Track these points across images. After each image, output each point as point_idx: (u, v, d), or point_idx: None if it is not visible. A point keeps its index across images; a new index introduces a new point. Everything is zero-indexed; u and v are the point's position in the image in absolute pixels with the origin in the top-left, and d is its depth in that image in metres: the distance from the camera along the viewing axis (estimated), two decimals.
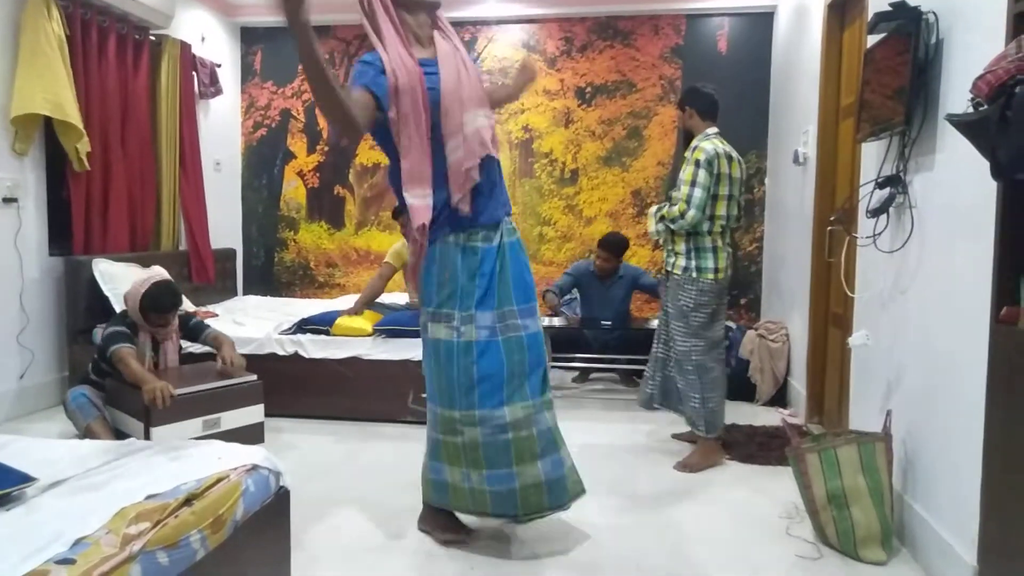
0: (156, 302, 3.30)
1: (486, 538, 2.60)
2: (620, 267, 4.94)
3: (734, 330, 4.94)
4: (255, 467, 1.99)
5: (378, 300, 4.60)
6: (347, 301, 4.66)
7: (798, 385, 4.23)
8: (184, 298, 4.60)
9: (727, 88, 5.55)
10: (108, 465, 1.96)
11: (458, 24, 5.86)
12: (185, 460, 1.98)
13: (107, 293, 4.12)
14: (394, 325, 4.08)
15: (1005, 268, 1.91)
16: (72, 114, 4.04)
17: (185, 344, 3.71)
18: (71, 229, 4.30)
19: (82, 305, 4.19)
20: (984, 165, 1.75)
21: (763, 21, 5.49)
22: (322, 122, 6.13)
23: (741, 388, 4.58)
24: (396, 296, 4.96)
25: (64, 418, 3.41)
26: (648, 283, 4.99)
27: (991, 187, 1.92)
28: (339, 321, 4.11)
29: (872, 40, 2.85)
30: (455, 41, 2.46)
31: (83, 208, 4.34)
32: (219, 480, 1.84)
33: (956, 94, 2.23)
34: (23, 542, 1.47)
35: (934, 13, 2.41)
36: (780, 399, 4.48)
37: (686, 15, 5.61)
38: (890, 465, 2.47)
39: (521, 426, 2.37)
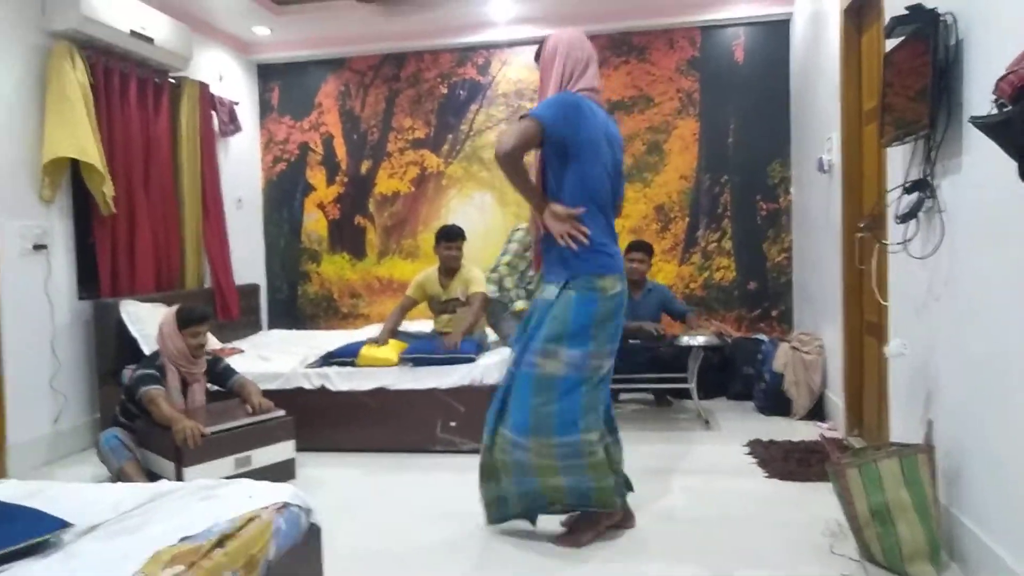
0: (192, 312, 3.44)
1: (522, 567, 2.56)
2: (647, 281, 4.85)
3: (766, 343, 4.86)
4: (286, 505, 1.98)
5: (403, 329, 4.60)
6: (371, 331, 4.67)
7: (835, 397, 4.14)
8: (210, 335, 4.67)
9: (746, 98, 5.57)
10: (142, 508, 1.97)
11: (471, 48, 5.92)
12: (216, 500, 1.98)
13: (135, 334, 4.16)
14: (420, 353, 4.07)
15: None
16: (96, 159, 4.11)
17: (212, 387, 3.72)
18: (98, 272, 4.37)
19: (111, 347, 4.23)
20: (1013, 165, 1.71)
21: (779, 29, 5.46)
22: (341, 152, 6.20)
23: (776, 402, 4.50)
24: (421, 324, 4.96)
25: (97, 461, 3.44)
26: (678, 309, 4.83)
27: (1022, 187, 1.87)
28: (364, 352, 4.10)
29: (890, 44, 2.81)
30: None
31: (109, 251, 4.41)
32: (251, 519, 1.84)
33: (979, 95, 2.18)
34: None
35: (952, 15, 2.37)
36: (818, 412, 4.38)
37: (700, 27, 5.60)
38: (934, 477, 2.39)
39: None
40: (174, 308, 3.50)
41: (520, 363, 2.68)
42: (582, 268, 2.62)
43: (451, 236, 4.33)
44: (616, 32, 5.68)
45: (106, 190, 4.22)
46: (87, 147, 4.07)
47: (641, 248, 4.80)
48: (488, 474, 2.80)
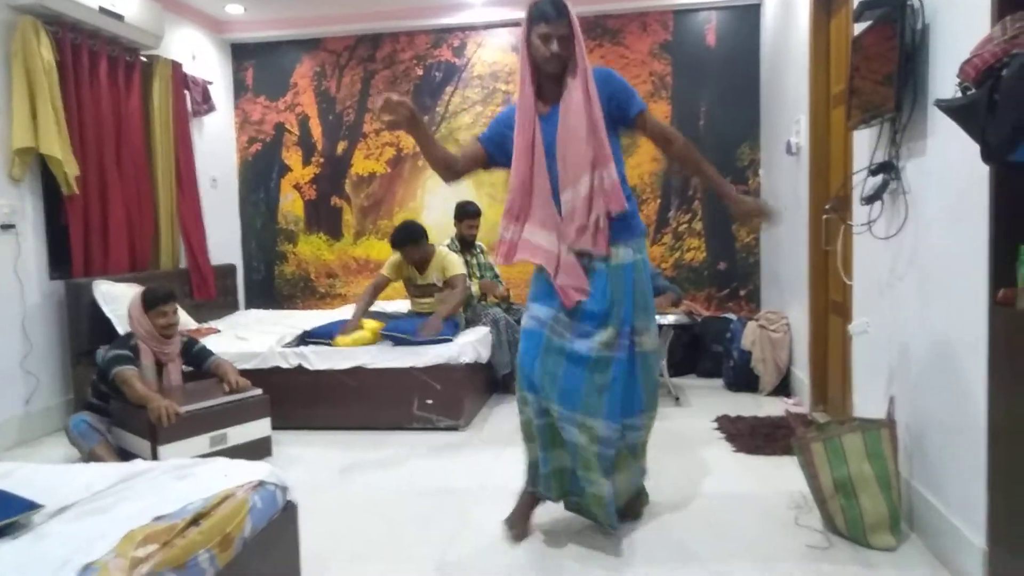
0: (156, 293, 3.42)
1: (496, 542, 2.60)
2: None
3: (735, 321, 4.94)
4: (261, 483, 1.99)
5: (380, 309, 4.61)
6: (348, 311, 4.68)
7: (801, 374, 4.23)
8: (186, 314, 4.66)
9: (717, 81, 5.61)
10: (114, 488, 1.96)
11: (446, 30, 5.88)
12: (191, 479, 1.98)
13: (109, 314, 4.13)
14: (396, 333, 4.09)
15: (1000, 250, 1.91)
16: (57, 146, 4.04)
17: (188, 368, 3.71)
18: (70, 252, 4.32)
19: (84, 327, 4.20)
20: (975, 148, 1.75)
21: (750, 13, 5.50)
22: (316, 133, 6.17)
23: (744, 379, 4.59)
24: (398, 304, 4.97)
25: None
26: (662, 285, 4.80)
27: (983, 169, 1.92)
28: (339, 339, 4.11)
29: (859, 28, 2.85)
30: (581, 95, 2.40)
31: (82, 231, 4.36)
32: (226, 498, 1.84)
33: (944, 78, 2.23)
34: (31, 570, 1.48)
35: None
36: (784, 389, 4.48)
37: (673, 11, 5.62)
38: (895, 451, 2.47)
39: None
40: (140, 290, 3.50)
41: (616, 347, 2.45)
42: (639, 227, 2.54)
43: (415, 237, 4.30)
44: (590, 15, 5.67)
45: (68, 171, 4.15)
46: (50, 136, 4.01)
47: None
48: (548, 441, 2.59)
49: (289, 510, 2.12)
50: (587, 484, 2.52)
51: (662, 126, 2.58)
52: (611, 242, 2.45)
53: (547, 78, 2.44)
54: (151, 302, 3.40)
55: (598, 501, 2.51)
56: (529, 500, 2.67)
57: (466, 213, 4.89)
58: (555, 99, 2.45)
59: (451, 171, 2.55)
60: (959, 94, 1.85)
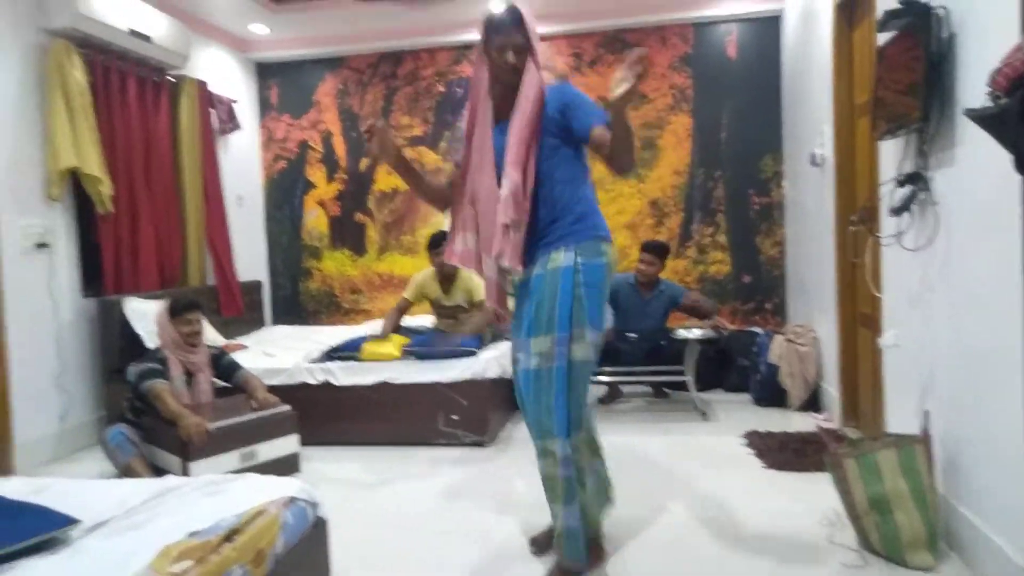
0: (179, 302, 3.54)
1: (520, 559, 2.60)
2: (661, 282, 4.79)
3: (762, 335, 4.90)
4: (292, 499, 2.01)
5: (404, 324, 4.63)
6: (373, 327, 4.70)
7: (831, 389, 4.18)
8: (214, 330, 4.71)
9: (739, 93, 5.60)
10: (148, 504, 1.99)
11: (467, 47, 5.94)
12: (223, 495, 2.00)
13: (139, 331, 4.19)
14: (421, 347, 4.11)
15: None
16: (96, 165, 4.15)
17: (220, 384, 3.75)
18: (102, 271, 4.39)
19: (116, 344, 4.26)
20: (1007, 157, 1.73)
21: (770, 25, 5.49)
22: (340, 150, 6.23)
23: (772, 394, 4.54)
24: (421, 319, 4.99)
25: (104, 457, 3.46)
26: (705, 306, 4.76)
27: (1015, 179, 1.90)
28: (366, 346, 4.14)
29: (883, 38, 2.84)
30: (524, 101, 2.31)
31: (113, 249, 4.43)
32: (258, 514, 1.85)
33: (972, 88, 2.21)
34: None
35: (944, 7, 2.40)
36: (813, 404, 4.42)
37: (693, 24, 5.62)
38: (931, 467, 2.43)
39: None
40: (164, 304, 3.59)
41: (554, 356, 2.27)
42: (588, 232, 2.33)
43: (435, 243, 4.26)
44: (610, 29, 5.71)
45: (103, 189, 4.24)
46: (87, 155, 4.11)
47: (651, 250, 4.70)
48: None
49: (319, 526, 2.13)
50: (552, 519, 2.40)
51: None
52: (552, 247, 2.31)
53: (503, 89, 2.37)
54: (176, 310, 3.52)
55: (559, 537, 2.35)
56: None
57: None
58: (508, 110, 2.35)
59: (445, 201, 2.61)
60: (989, 103, 1.83)
